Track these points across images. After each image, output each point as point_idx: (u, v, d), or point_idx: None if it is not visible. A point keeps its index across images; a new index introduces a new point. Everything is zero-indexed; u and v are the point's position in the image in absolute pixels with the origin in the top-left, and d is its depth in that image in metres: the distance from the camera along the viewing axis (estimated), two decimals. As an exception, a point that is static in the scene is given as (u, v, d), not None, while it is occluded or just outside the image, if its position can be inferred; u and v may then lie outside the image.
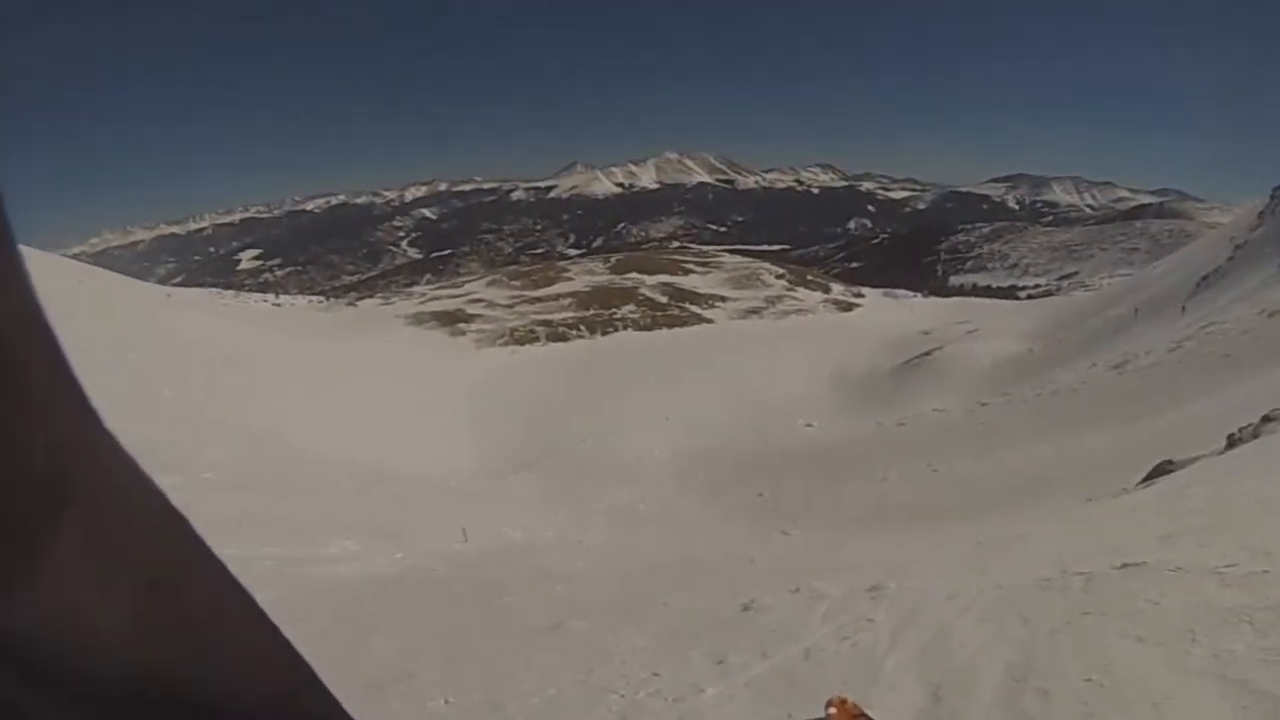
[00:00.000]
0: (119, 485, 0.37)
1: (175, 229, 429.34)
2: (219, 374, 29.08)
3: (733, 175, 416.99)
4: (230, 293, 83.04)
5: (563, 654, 5.98)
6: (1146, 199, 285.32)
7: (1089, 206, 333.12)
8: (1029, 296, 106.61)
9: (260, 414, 25.35)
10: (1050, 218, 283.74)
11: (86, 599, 0.35)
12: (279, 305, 71.00)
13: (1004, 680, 2.96)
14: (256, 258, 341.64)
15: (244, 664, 0.44)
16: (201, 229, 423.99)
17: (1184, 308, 31.27)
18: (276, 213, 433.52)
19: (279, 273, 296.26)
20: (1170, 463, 10.22)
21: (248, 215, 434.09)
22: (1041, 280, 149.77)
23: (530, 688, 4.93)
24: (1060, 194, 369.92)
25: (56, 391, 0.33)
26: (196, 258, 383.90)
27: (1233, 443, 9.95)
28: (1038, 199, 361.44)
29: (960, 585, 5.05)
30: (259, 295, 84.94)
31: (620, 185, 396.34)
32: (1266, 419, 10.09)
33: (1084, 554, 5.21)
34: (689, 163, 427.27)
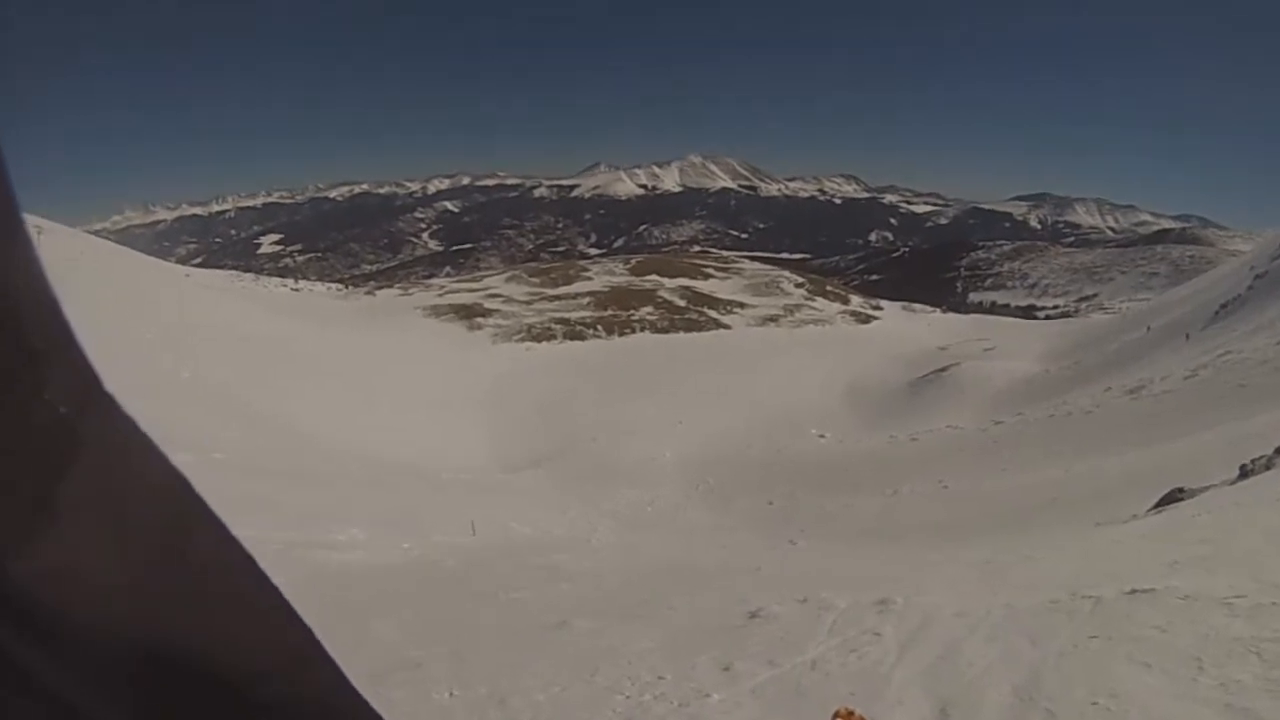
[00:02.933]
0: (124, 444, 0.37)
1: (197, 210, 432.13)
2: (236, 359, 29.33)
3: (756, 181, 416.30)
4: (249, 276, 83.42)
5: (568, 653, 6.00)
6: (1169, 224, 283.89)
7: (1111, 229, 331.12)
8: (1047, 317, 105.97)
9: (276, 401, 25.53)
10: (1072, 239, 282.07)
11: (90, 555, 0.34)
12: (298, 291, 71.28)
13: (1011, 700, 2.97)
14: (277, 242, 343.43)
15: (248, 628, 0.43)
16: (224, 211, 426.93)
17: (1188, 336, 31.12)
18: (299, 198, 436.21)
19: (299, 258, 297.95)
20: (1181, 490, 10.13)
21: (270, 200, 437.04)
22: (1060, 301, 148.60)
23: (535, 684, 4.95)
24: (1083, 215, 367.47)
25: (60, 349, 0.33)
26: (217, 239, 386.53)
27: (1245, 473, 9.86)
28: (1060, 219, 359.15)
29: (969, 603, 5.05)
30: (278, 280, 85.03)
31: (643, 187, 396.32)
32: (1280, 451, 10.01)
33: (1093, 578, 5.19)
34: (713, 167, 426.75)
